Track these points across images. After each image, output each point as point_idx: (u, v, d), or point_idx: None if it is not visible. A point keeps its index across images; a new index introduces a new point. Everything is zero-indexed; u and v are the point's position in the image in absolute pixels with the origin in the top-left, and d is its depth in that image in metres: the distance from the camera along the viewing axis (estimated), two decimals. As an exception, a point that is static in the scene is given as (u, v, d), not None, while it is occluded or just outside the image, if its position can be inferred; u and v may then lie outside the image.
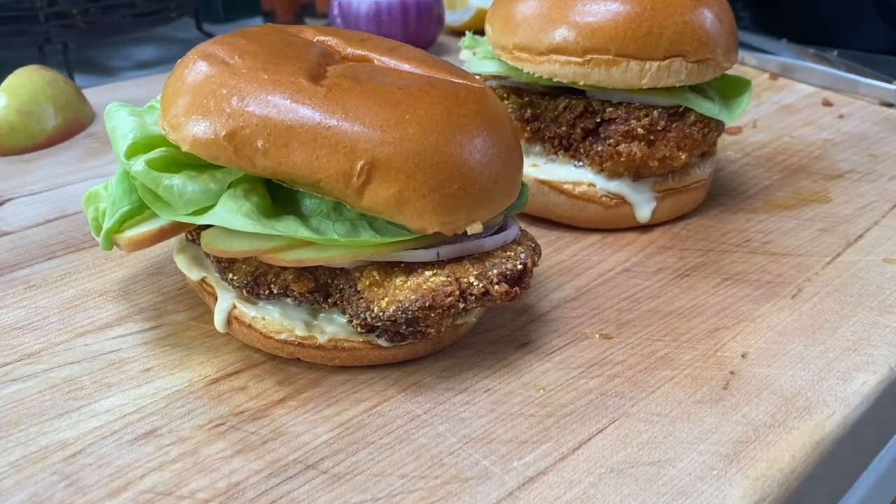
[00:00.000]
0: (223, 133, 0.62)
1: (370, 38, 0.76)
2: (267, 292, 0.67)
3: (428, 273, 0.64)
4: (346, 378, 0.69)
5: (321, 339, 0.68)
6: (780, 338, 0.74)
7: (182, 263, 0.75)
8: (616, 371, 0.70)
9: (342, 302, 0.67)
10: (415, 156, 0.61)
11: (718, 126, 0.93)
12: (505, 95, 0.95)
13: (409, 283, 0.64)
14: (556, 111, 0.91)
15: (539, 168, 0.93)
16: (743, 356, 0.72)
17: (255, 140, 0.61)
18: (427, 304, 0.62)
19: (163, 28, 1.86)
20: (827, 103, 1.33)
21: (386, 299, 0.63)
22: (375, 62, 0.72)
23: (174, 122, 0.64)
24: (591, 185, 0.91)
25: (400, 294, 0.63)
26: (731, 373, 0.70)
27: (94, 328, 0.76)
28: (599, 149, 0.89)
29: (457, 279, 0.64)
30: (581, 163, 0.92)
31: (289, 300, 0.68)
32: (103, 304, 0.80)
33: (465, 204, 0.64)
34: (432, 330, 0.65)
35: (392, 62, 0.72)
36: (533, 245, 0.71)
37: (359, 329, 0.66)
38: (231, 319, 0.71)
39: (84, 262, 0.87)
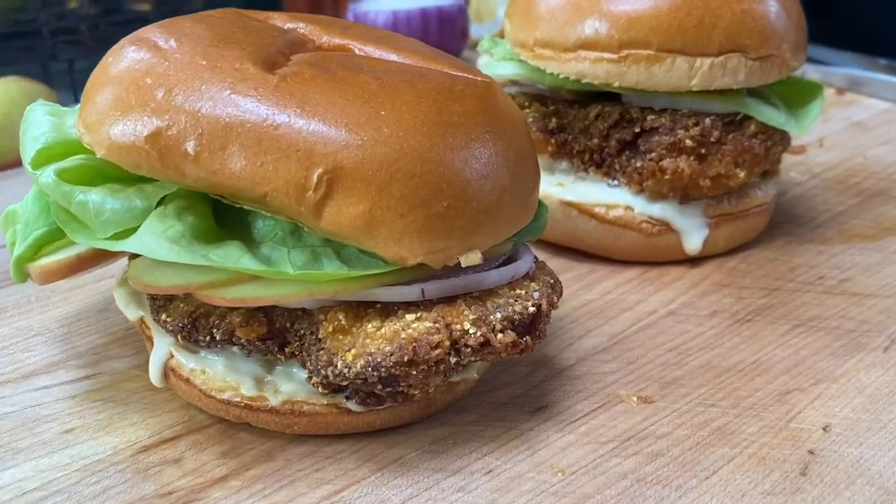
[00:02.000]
0: (145, 134, 0.48)
1: (355, 26, 0.62)
2: (208, 338, 0.53)
3: (410, 317, 0.49)
4: (309, 450, 0.54)
5: (273, 401, 0.53)
6: (872, 405, 0.57)
7: (120, 299, 0.61)
8: (659, 448, 0.54)
9: (302, 353, 0.52)
10: (391, 163, 0.47)
11: (784, 139, 0.77)
12: (526, 103, 0.81)
13: (383, 331, 0.49)
14: (587, 120, 0.76)
15: (566, 188, 0.78)
16: (825, 429, 0.55)
17: (183, 142, 0.47)
18: (406, 358, 0.47)
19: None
20: (905, 120, 1.16)
21: (353, 351, 0.48)
22: (357, 51, 0.58)
23: (89, 121, 0.51)
24: (629, 208, 0.75)
25: (371, 345, 0.48)
26: (811, 452, 0.53)
27: (16, 376, 0.63)
28: (639, 164, 0.73)
29: (447, 325, 0.49)
30: (616, 181, 0.76)
31: (235, 349, 0.53)
32: (35, 346, 0.66)
33: (458, 226, 0.48)
34: (416, 392, 0.50)
35: (377, 52, 0.58)
36: (551, 281, 0.56)
37: (320, 389, 0.51)
38: (168, 371, 0.57)
39: (27, 296, 0.74)
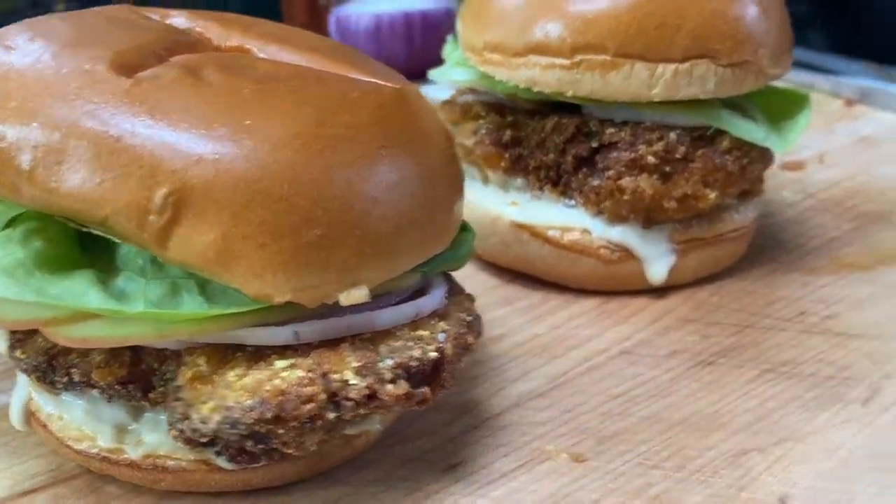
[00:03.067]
0: (-25, 146, 0.41)
1: (263, 24, 0.55)
2: (65, 380, 0.46)
3: (281, 364, 0.42)
4: (178, 511, 0.47)
5: (133, 455, 0.46)
6: (842, 471, 0.49)
7: (-6, 329, 0.54)
8: (581, 519, 0.46)
9: (165, 400, 0.45)
10: (251, 183, 0.40)
11: (764, 156, 0.69)
12: (482, 113, 0.73)
13: (246, 381, 0.41)
14: (543, 133, 0.68)
15: (520, 207, 0.70)
16: (782, 501, 0.47)
17: (17, 156, 0.41)
18: (269, 414, 0.40)
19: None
20: (916, 135, 1.06)
21: (210, 404, 0.41)
22: (256, 52, 0.51)
23: (-77, 129, 0.44)
24: (586, 231, 0.67)
25: (230, 397, 0.41)
26: (764, 529, 0.45)
27: None
28: (596, 183, 0.66)
29: (324, 374, 0.42)
30: (573, 201, 0.69)
31: (95, 392, 0.46)
32: (-82, 376, 0.60)
33: (337, 259, 0.41)
34: (291, 450, 0.43)
35: (280, 53, 0.51)
36: (468, 319, 0.49)
37: (181, 443, 0.44)
38: (29, 414, 0.50)
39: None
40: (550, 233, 0.68)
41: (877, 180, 0.93)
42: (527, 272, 0.71)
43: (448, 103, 0.77)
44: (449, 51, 0.83)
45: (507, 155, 0.70)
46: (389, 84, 0.49)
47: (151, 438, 0.46)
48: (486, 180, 0.73)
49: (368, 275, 0.42)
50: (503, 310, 0.68)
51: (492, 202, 0.71)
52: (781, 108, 0.72)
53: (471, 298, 0.52)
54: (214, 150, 0.39)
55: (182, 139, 0.40)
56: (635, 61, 0.61)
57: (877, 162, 0.98)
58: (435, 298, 0.48)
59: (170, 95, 0.41)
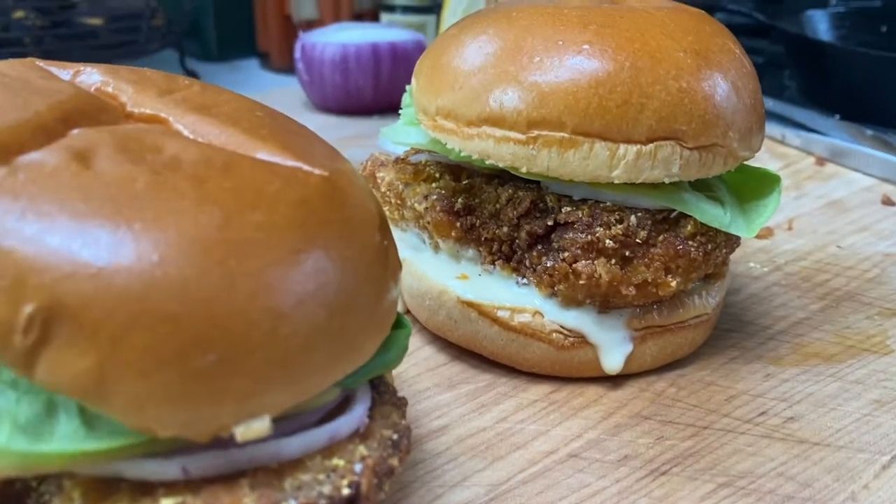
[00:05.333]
0: None
1: (186, 86, 0.50)
2: (-77, 499, 0.40)
3: (167, 503, 0.36)
4: None
5: (-3, 590, 0.40)
6: None
7: None
8: None
9: (40, 527, 0.39)
10: (133, 301, 0.34)
11: (730, 241, 0.64)
12: (437, 175, 0.68)
13: (123, 523, 0.36)
14: (498, 203, 0.64)
15: (469, 282, 0.65)
16: None
17: None
18: (146, 565, 0.34)
19: (138, 62, 1.64)
20: (888, 202, 1.03)
21: (81, 548, 0.36)
22: (171, 123, 0.45)
23: None
24: (538, 313, 0.63)
25: (103, 543, 0.35)
26: None
27: None
28: (550, 264, 0.61)
29: (215, 518, 0.36)
30: (526, 280, 0.64)
31: (-41, 514, 0.41)
32: None
33: (235, 387, 0.36)
34: None
35: (199, 126, 0.45)
36: (393, 438, 0.43)
37: (49, 585, 0.38)
38: None
39: None
40: (500, 313, 0.63)
41: (845, 252, 0.89)
42: (475, 351, 0.66)
43: (401, 161, 0.72)
44: (405, 103, 0.78)
45: (458, 224, 0.65)
46: (317, 170, 0.43)
47: (19, 570, 0.40)
48: (437, 248, 0.68)
49: (273, 400, 0.37)
50: (447, 395, 0.63)
51: (441, 274, 0.66)
52: (750, 187, 0.68)
53: (400, 405, 0.47)
54: (92, 259, 0.34)
55: (55, 245, 0.34)
56: (595, 140, 0.57)
57: (847, 230, 0.95)
58: (355, 416, 0.42)
59: (48, 189, 0.36)
